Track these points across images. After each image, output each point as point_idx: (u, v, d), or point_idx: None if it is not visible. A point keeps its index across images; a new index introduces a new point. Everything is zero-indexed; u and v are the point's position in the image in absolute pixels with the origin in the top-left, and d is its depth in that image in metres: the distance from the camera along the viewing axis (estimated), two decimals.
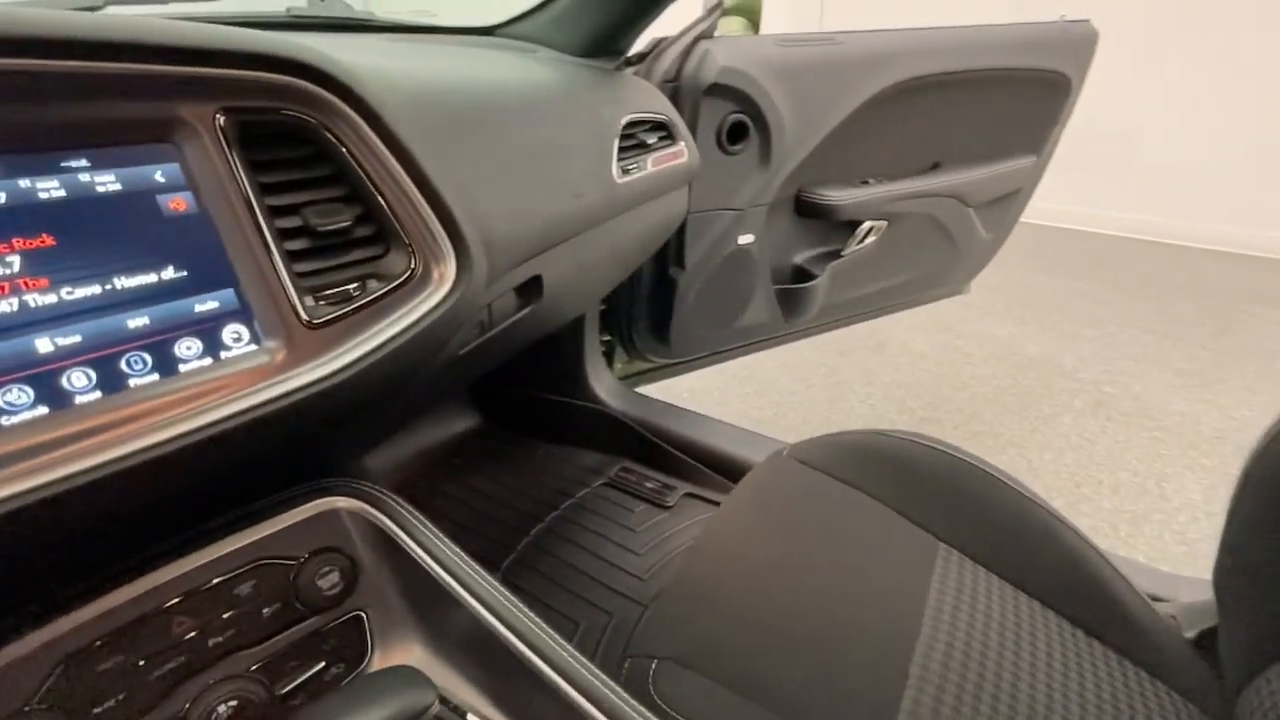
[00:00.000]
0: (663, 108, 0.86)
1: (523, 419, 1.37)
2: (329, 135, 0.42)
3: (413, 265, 0.45)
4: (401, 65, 0.55)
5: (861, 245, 1.43)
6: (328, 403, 0.40)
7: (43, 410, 0.33)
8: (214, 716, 0.36)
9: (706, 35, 1.10)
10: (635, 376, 1.47)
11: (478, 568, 0.44)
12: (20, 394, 0.32)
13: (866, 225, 1.40)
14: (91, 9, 0.54)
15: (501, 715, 0.41)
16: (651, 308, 1.32)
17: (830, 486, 0.79)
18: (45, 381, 0.33)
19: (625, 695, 0.39)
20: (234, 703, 0.37)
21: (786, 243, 1.40)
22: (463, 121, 0.55)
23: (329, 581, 0.42)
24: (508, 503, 1.17)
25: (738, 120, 1.14)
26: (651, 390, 1.38)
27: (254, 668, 0.39)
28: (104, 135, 0.35)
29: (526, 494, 1.19)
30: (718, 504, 1.13)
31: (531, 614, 0.43)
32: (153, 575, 0.37)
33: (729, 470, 1.15)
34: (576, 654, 0.41)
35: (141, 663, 0.36)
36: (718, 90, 1.07)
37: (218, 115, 0.38)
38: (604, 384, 1.29)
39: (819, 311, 1.49)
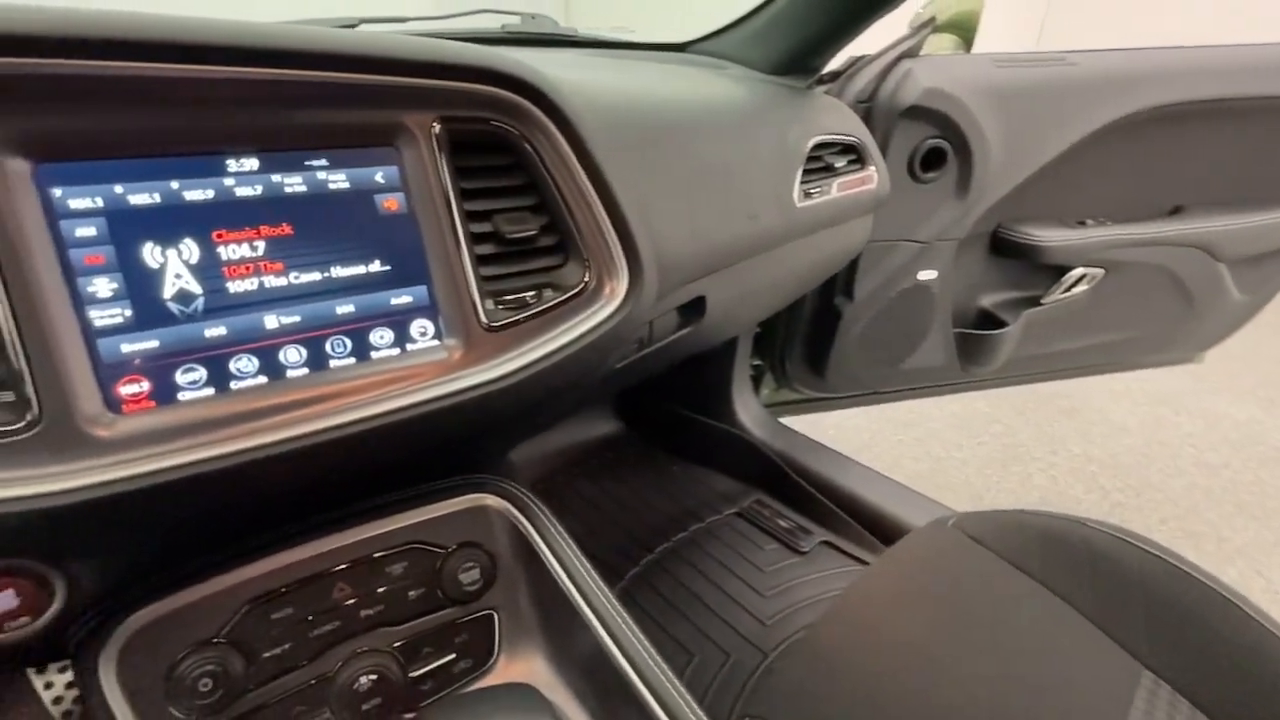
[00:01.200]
0: (855, 129, 0.81)
1: (662, 433, 1.37)
2: (527, 146, 0.44)
3: (587, 278, 0.46)
4: (598, 79, 0.56)
5: (1068, 294, 1.24)
6: (495, 403, 0.41)
7: (262, 380, 0.37)
8: (356, 685, 0.39)
9: (911, 54, 1.01)
10: (781, 405, 1.41)
11: (604, 588, 0.43)
12: (248, 362, 0.36)
13: (1078, 272, 1.21)
14: (349, 27, 0.61)
15: None
16: (810, 337, 1.25)
17: (1006, 574, 0.68)
18: (267, 354, 0.37)
19: None
20: (374, 676, 0.39)
21: (975, 283, 1.26)
22: (649, 136, 0.54)
23: (470, 576, 0.43)
24: (638, 514, 1.17)
25: (935, 146, 1.04)
26: (795, 423, 1.30)
27: (394, 645, 0.41)
28: (341, 138, 0.39)
29: (657, 509, 1.18)
30: (857, 560, 1.04)
31: (650, 647, 0.41)
32: (325, 540, 0.41)
33: (876, 526, 1.05)
34: (690, 700, 0.38)
35: (307, 619, 0.39)
36: (917, 113, 0.99)
37: (435, 123, 0.40)
38: (749, 411, 1.25)
39: (1004, 364, 1.31)
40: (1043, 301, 1.25)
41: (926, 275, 1.18)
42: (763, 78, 0.88)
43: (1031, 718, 0.55)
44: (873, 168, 0.81)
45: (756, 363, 1.33)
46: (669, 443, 1.35)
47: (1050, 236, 1.16)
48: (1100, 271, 1.22)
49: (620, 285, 0.46)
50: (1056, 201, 1.17)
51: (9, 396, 0.30)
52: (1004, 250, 1.21)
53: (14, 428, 0.30)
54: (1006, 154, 1.07)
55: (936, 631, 0.63)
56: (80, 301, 0.32)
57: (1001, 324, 1.26)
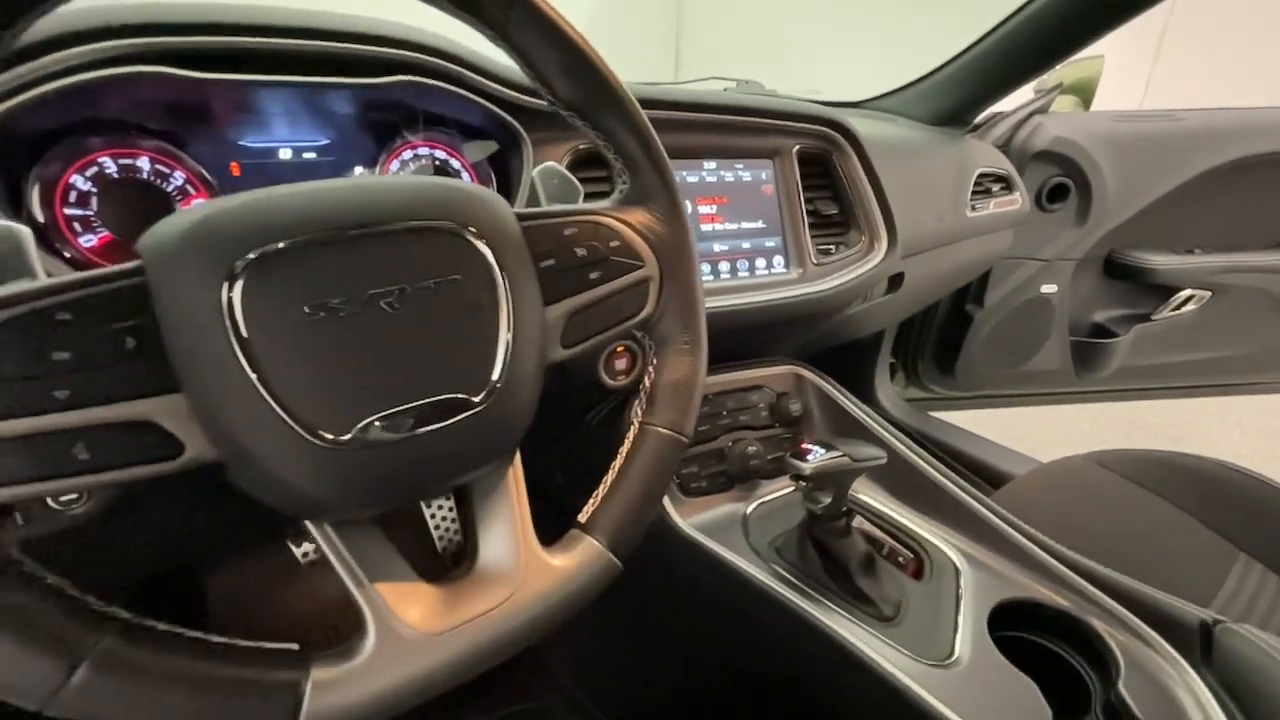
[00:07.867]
0: (1004, 165, 1.09)
1: None
2: (835, 162, 0.75)
3: (863, 239, 0.76)
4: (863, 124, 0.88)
5: (1177, 312, 1.44)
6: (814, 306, 0.72)
7: (711, 278, 0.68)
8: (745, 450, 0.69)
9: (1041, 110, 1.29)
10: (911, 403, 1.64)
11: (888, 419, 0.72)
12: (707, 268, 0.68)
13: (1186, 293, 1.41)
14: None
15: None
16: (942, 339, 1.50)
17: (1124, 487, 0.90)
18: (715, 264, 0.69)
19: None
20: (753, 448, 0.69)
21: (1090, 299, 1.48)
22: (890, 161, 0.85)
23: (795, 406, 0.73)
24: None
25: (1059, 183, 1.29)
26: None
27: (757, 438, 0.71)
28: (748, 153, 0.71)
29: None
30: None
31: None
32: (722, 377, 0.72)
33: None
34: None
35: (713, 412, 0.70)
36: (1046, 156, 1.26)
37: (795, 147, 0.72)
38: (886, 392, 1.50)
39: (1116, 372, 1.51)
40: (1153, 318, 1.45)
41: (1048, 289, 1.41)
42: (927, 127, 1.18)
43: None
44: (1018, 193, 1.09)
45: (890, 361, 1.58)
46: None
47: (1159, 261, 1.38)
48: (1207, 294, 1.41)
49: (882, 246, 0.76)
50: (1166, 233, 1.39)
51: None
52: (1116, 273, 1.43)
53: None
54: (1121, 191, 1.31)
55: (1064, 511, 0.85)
56: None
57: (1114, 335, 1.46)
